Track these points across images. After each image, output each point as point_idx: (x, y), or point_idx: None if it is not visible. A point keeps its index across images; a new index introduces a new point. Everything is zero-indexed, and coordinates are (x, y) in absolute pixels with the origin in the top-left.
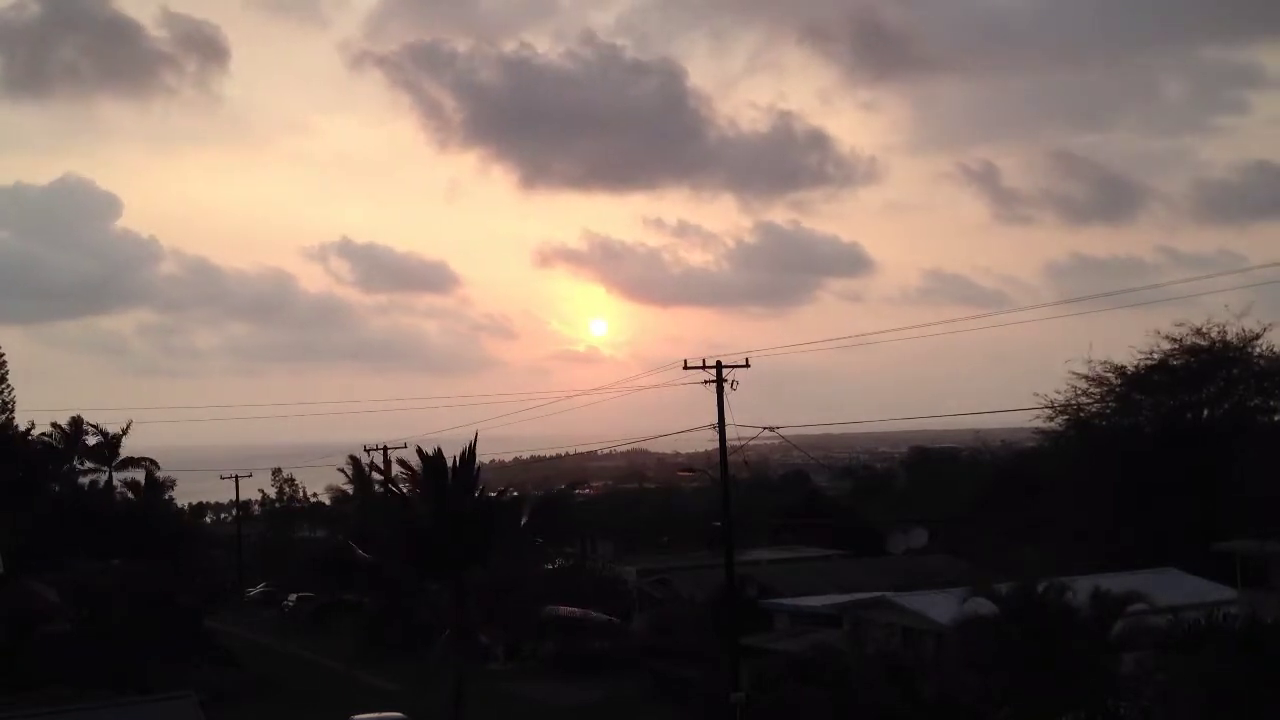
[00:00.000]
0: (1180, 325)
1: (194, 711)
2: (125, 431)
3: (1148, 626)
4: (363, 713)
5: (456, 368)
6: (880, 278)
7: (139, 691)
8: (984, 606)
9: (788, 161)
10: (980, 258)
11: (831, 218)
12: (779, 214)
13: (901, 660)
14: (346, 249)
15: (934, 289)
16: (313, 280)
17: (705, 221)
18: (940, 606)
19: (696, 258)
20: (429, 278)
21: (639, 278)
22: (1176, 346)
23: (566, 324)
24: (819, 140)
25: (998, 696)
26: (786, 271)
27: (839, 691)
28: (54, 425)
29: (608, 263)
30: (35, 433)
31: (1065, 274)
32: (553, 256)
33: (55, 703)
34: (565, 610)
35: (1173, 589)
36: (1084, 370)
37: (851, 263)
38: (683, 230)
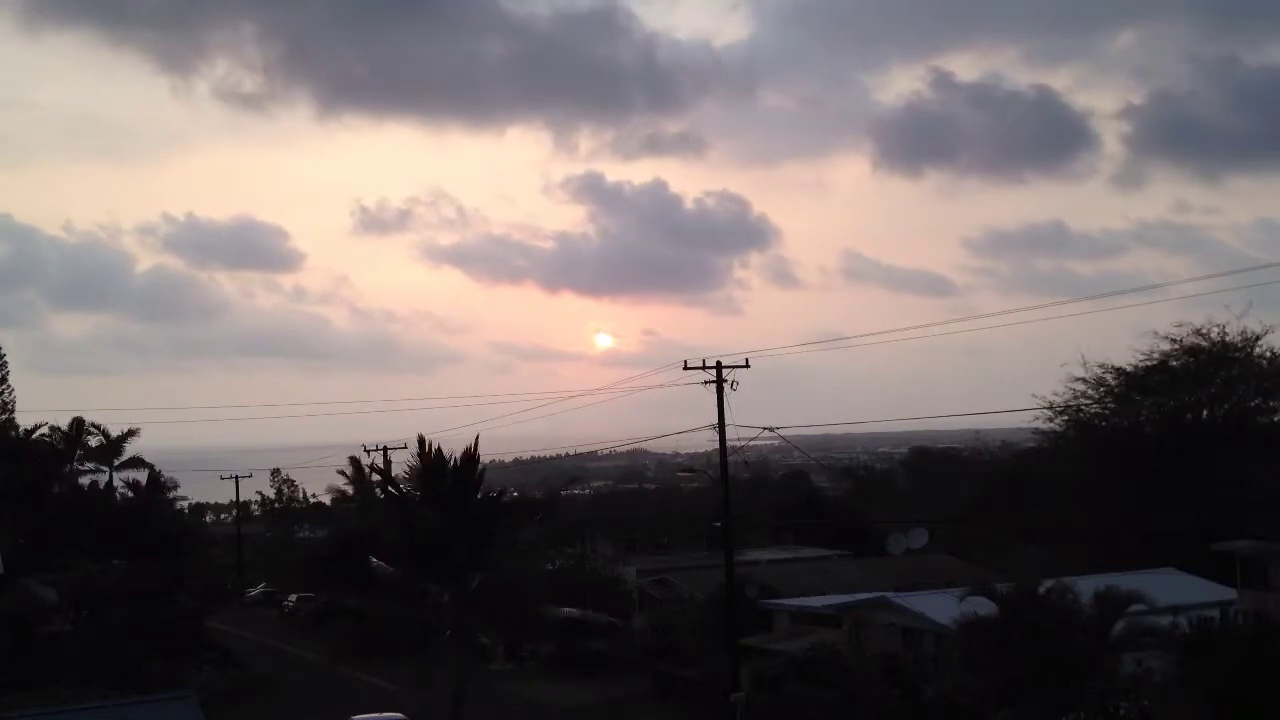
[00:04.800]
0: (1180, 325)
1: (194, 711)
2: (128, 435)
3: (1148, 627)
4: (363, 713)
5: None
6: (789, 248)
7: (139, 691)
8: (984, 606)
9: (613, 75)
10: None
11: (689, 160)
12: (609, 155)
13: (901, 660)
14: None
15: (856, 270)
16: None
17: (510, 160)
18: (940, 606)
19: (529, 221)
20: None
21: (490, 255)
22: (1176, 347)
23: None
24: (650, 43)
25: (998, 697)
26: (686, 245)
27: (839, 691)
28: (54, 426)
29: (455, 230)
30: (36, 433)
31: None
32: (375, 221)
33: (55, 703)
34: (565, 610)
35: (1173, 589)
36: (1082, 372)
37: (754, 232)
38: (493, 175)
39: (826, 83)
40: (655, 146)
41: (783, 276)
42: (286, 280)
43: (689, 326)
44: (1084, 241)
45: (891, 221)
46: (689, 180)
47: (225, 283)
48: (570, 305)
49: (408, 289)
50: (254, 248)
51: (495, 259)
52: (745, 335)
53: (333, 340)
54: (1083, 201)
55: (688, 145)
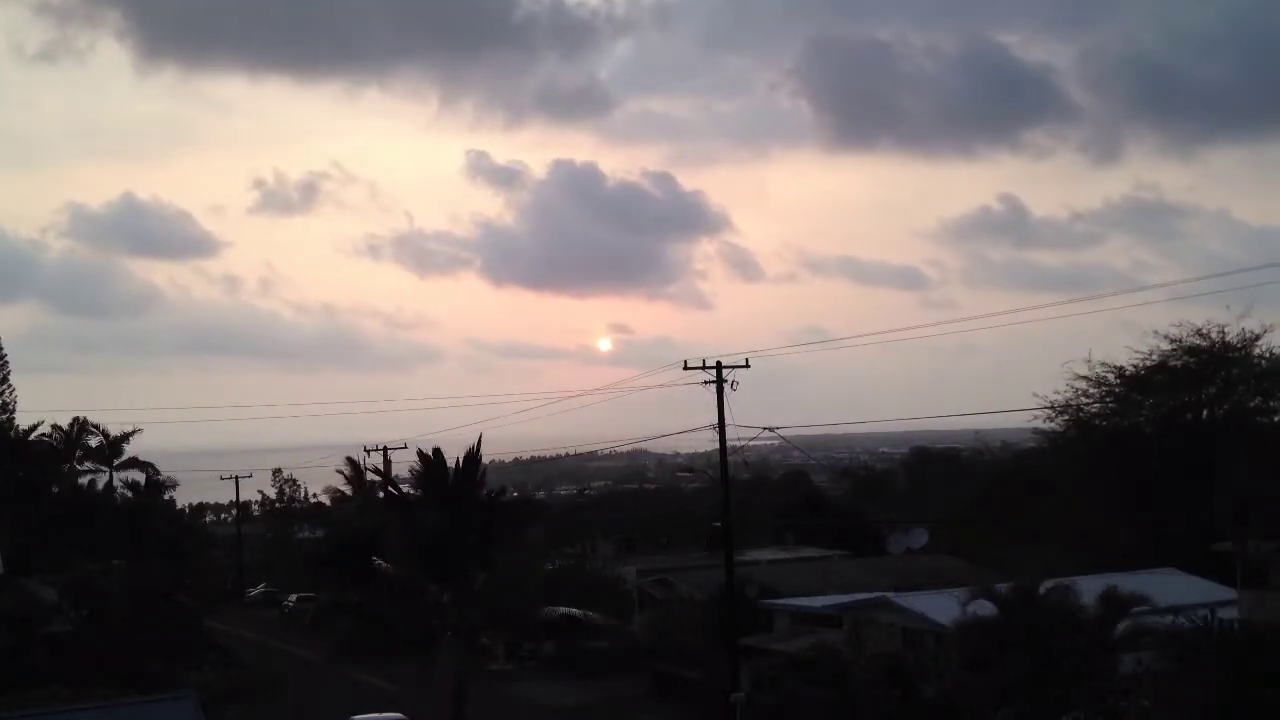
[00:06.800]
0: (1179, 325)
1: (194, 711)
2: (128, 436)
3: (1149, 627)
4: (363, 713)
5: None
6: (743, 236)
7: (139, 691)
8: (984, 607)
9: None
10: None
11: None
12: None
13: (901, 660)
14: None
15: (818, 262)
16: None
17: (396, 123)
18: (940, 606)
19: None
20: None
21: (416, 245)
22: (1176, 347)
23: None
24: None
25: (998, 697)
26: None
27: (839, 691)
28: (54, 426)
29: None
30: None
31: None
32: (278, 199)
33: (55, 703)
34: (565, 610)
35: (1173, 589)
36: (1083, 371)
37: (692, 215)
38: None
39: (751, 53)
40: (557, 109)
41: (744, 267)
42: (213, 268)
43: (661, 322)
44: (1044, 226)
45: (847, 206)
46: (614, 162)
47: (139, 272)
48: (522, 300)
49: (341, 280)
50: (157, 232)
51: (425, 251)
52: (722, 330)
53: (289, 336)
54: (1048, 176)
55: (603, 113)
